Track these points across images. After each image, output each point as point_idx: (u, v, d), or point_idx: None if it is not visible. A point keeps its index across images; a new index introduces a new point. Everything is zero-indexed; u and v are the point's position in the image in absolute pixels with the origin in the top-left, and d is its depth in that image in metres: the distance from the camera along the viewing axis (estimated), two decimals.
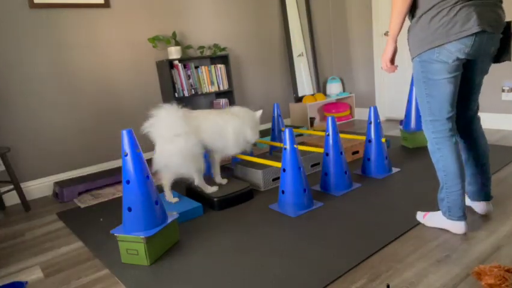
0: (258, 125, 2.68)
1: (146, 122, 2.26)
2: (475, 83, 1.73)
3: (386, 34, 4.31)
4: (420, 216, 1.93)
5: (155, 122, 2.26)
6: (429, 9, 1.55)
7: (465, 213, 1.75)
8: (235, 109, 2.61)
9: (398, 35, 1.70)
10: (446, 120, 1.67)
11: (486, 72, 1.72)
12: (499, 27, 1.56)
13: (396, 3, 1.60)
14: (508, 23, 1.61)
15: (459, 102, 1.76)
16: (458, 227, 1.76)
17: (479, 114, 2.07)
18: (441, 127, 1.68)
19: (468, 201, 1.97)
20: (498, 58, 1.68)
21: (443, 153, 1.70)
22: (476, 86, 1.74)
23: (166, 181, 2.39)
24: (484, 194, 1.88)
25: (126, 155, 1.75)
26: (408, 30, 1.68)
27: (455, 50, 1.53)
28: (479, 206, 1.91)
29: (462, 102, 1.77)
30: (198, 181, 2.41)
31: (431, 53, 1.59)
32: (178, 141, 2.24)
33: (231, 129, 2.47)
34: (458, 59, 1.57)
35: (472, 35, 1.49)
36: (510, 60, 1.70)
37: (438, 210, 1.86)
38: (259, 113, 2.70)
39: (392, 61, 1.78)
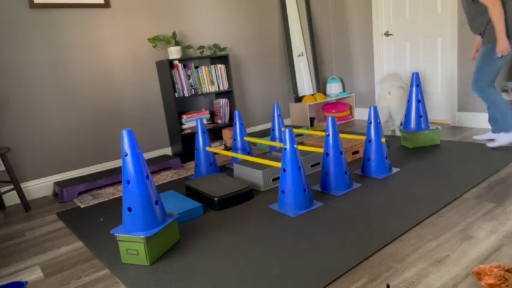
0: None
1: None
2: None
3: (386, 34, 4.31)
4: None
5: (386, 77, 3.63)
6: None
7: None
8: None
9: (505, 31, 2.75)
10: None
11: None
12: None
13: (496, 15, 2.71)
14: None
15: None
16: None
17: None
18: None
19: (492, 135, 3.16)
20: None
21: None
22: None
23: (383, 118, 3.76)
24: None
25: (126, 155, 1.75)
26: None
27: None
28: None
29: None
30: (397, 122, 3.69)
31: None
32: (399, 90, 3.59)
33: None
34: None
35: None
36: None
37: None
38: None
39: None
